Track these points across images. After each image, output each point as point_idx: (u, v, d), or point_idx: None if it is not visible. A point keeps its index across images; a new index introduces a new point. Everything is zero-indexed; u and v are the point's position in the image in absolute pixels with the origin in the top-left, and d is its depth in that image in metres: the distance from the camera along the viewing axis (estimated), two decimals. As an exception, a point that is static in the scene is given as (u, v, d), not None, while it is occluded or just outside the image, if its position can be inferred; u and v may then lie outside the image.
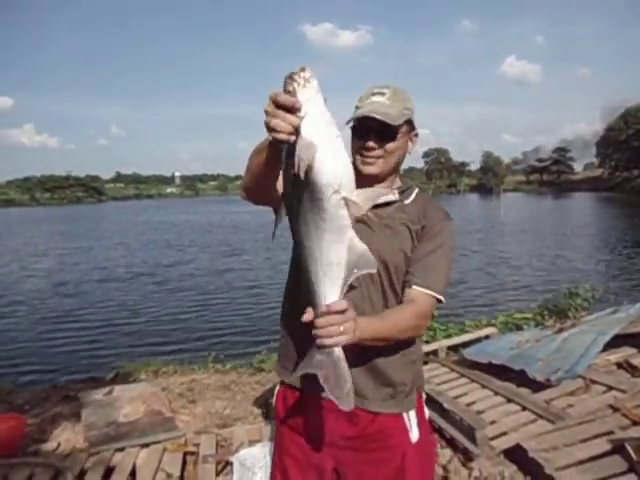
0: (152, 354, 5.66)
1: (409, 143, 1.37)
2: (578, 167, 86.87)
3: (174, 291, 10.82)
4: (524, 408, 3.05)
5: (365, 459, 1.35)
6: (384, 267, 1.29)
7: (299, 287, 1.36)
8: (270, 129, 0.92)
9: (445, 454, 2.74)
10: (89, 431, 3.02)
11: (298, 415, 1.39)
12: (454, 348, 4.49)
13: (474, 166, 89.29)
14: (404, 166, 1.50)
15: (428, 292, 1.28)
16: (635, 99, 65.32)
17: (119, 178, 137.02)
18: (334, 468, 1.38)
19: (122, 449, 2.84)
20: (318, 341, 1.05)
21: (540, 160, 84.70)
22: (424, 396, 1.49)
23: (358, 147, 1.32)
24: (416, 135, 1.39)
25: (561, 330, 4.29)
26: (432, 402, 2.96)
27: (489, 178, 78.73)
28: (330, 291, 1.05)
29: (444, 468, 2.61)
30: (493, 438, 2.73)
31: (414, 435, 1.36)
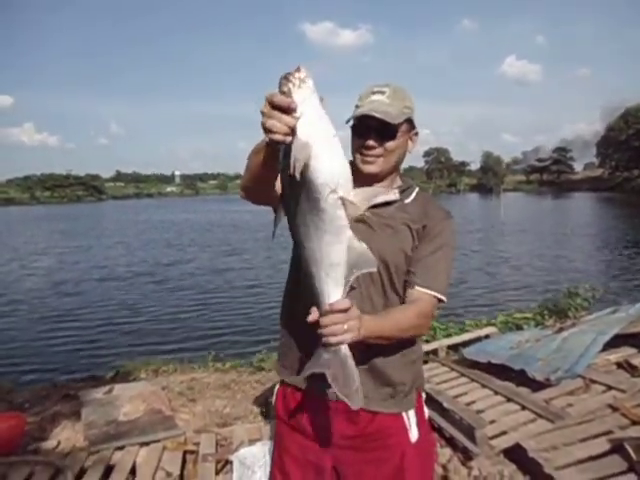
0: (152, 353, 5.67)
1: (409, 142, 1.37)
2: (578, 167, 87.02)
3: (174, 290, 10.83)
4: (524, 407, 3.05)
5: (364, 458, 1.35)
6: (385, 267, 1.29)
7: (299, 287, 1.36)
8: (266, 130, 0.92)
9: (445, 453, 2.74)
10: (89, 430, 3.03)
11: (298, 414, 1.39)
12: (454, 347, 4.49)
13: (474, 166, 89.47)
14: (404, 165, 1.50)
15: (430, 292, 1.29)
16: (635, 99, 65.40)
17: (119, 177, 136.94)
18: (333, 467, 1.38)
19: (122, 448, 2.84)
20: (323, 340, 1.05)
21: (540, 160, 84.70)
22: (424, 396, 1.49)
23: (358, 146, 1.32)
24: (416, 134, 1.38)
25: (561, 330, 4.29)
26: (432, 401, 2.96)
27: (489, 178, 78.75)
28: (332, 290, 1.05)
29: (444, 467, 2.62)
30: (493, 437, 2.74)
31: (413, 435, 1.36)
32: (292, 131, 0.91)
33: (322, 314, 1.06)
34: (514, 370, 3.46)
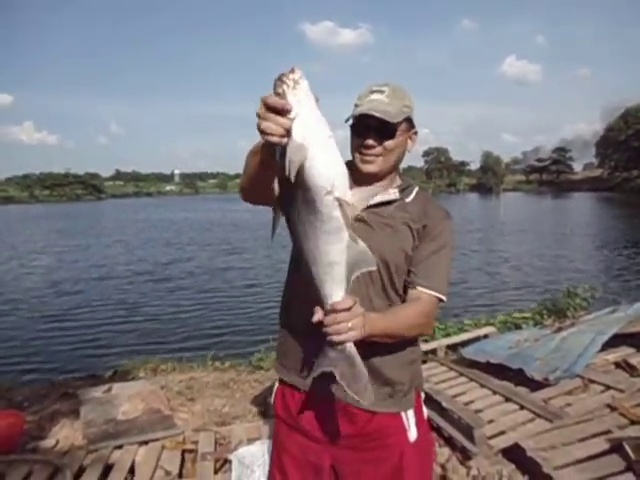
0: (151, 352, 5.66)
1: (408, 141, 1.37)
2: (578, 167, 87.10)
3: (173, 289, 10.83)
4: (522, 407, 3.06)
5: (363, 458, 1.35)
6: (385, 266, 1.29)
7: (298, 286, 1.37)
8: (262, 132, 0.92)
9: (443, 453, 2.74)
10: (88, 428, 3.02)
11: (296, 413, 1.39)
12: (453, 347, 4.50)
13: (474, 165, 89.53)
14: (404, 165, 1.50)
15: (432, 293, 1.30)
16: (635, 99, 65.45)
17: (118, 176, 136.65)
18: (332, 466, 1.38)
19: (121, 446, 2.84)
20: (329, 338, 1.06)
21: (540, 160, 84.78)
22: (423, 395, 1.49)
23: (357, 145, 1.32)
24: (415, 133, 1.38)
25: (560, 329, 4.30)
26: (431, 401, 2.96)
27: (489, 177, 78.81)
28: (334, 290, 1.06)
29: (442, 467, 2.62)
30: (491, 437, 2.74)
31: (412, 434, 1.37)
32: (288, 132, 0.91)
33: (326, 313, 1.06)
34: (513, 370, 3.47)
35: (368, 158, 1.31)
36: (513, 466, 2.53)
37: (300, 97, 0.92)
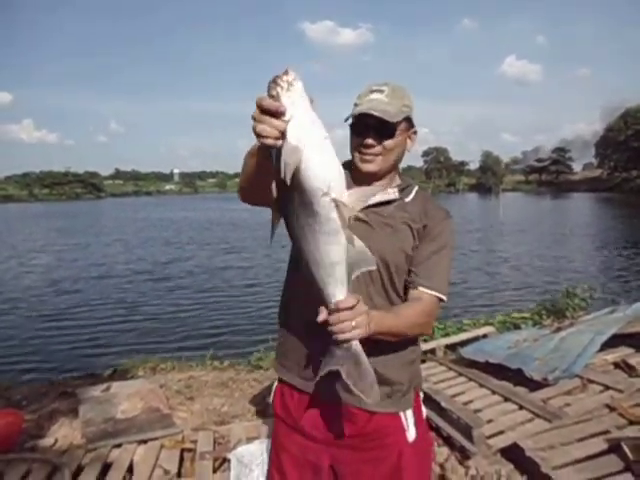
0: (150, 351, 5.66)
1: (408, 141, 1.37)
2: (577, 167, 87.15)
3: (172, 288, 10.83)
4: (521, 407, 3.06)
5: (362, 458, 1.35)
6: (385, 266, 1.30)
7: (297, 286, 1.37)
8: (257, 135, 0.92)
9: (442, 452, 2.74)
10: (87, 427, 3.02)
11: (295, 413, 1.39)
12: (452, 347, 4.50)
13: (473, 165, 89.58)
14: (403, 165, 1.50)
15: (433, 293, 1.31)
16: (635, 99, 65.53)
17: (118, 175, 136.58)
18: (331, 466, 1.38)
19: (119, 445, 2.84)
20: (334, 337, 1.07)
21: (539, 160, 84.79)
22: (422, 395, 1.49)
23: (357, 144, 1.32)
24: (415, 133, 1.38)
25: (559, 329, 4.30)
26: (430, 400, 2.97)
27: (488, 177, 78.86)
28: (336, 290, 1.06)
29: (441, 466, 2.62)
30: (490, 437, 2.74)
31: (411, 434, 1.37)
32: (282, 135, 0.91)
33: (329, 313, 1.07)
34: (512, 370, 3.47)
35: (367, 157, 1.31)
36: (512, 466, 2.54)
37: (294, 99, 0.91)
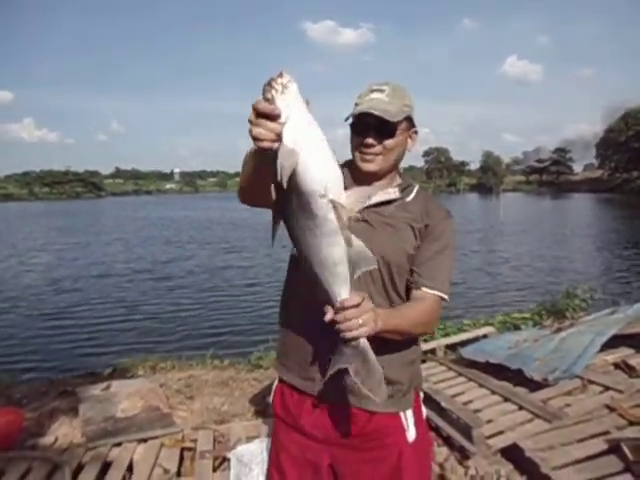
0: (150, 350, 5.66)
1: (408, 140, 1.37)
2: (578, 168, 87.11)
3: (173, 287, 10.82)
4: (521, 407, 3.06)
5: (362, 458, 1.35)
6: (386, 266, 1.30)
7: (298, 286, 1.37)
8: (253, 138, 0.92)
9: (442, 452, 2.74)
10: (87, 426, 3.03)
11: (295, 412, 1.40)
12: (452, 347, 4.50)
13: (474, 166, 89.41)
14: (404, 165, 1.51)
15: (436, 293, 1.32)
16: (636, 100, 65.43)
17: (118, 174, 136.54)
18: (330, 465, 1.38)
19: (119, 444, 2.84)
20: (341, 336, 1.07)
21: (540, 161, 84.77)
22: (422, 395, 1.49)
23: (357, 144, 1.32)
24: (415, 132, 1.38)
25: (559, 330, 4.30)
26: (429, 400, 2.97)
27: (489, 178, 78.79)
28: (341, 289, 1.07)
29: (440, 466, 2.62)
30: (490, 437, 2.74)
31: (411, 434, 1.37)
32: (278, 137, 0.91)
33: (335, 312, 1.07)
34: (512, 370, 3.47)
35: (368, 157, 1.31)
36: (511, 466, 2.54)
37: (289, 101, 0.91)
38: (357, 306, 1.05)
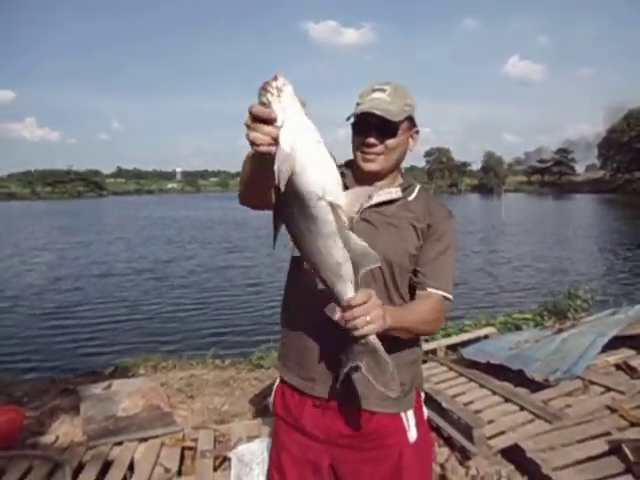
0: (151, 349, 5.66)
1: (410, 140, 1.37)
2: (580, 168, 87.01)
3: (174, 287, 10.83)
4: (522, 408, 3.05)
5: (362, 457, 1.35)
6: (388, 265, 1.30)
7: (299, 287, 1.37)
8: (250, 143, 0.92)
9: (443, 452, 2.74)
10: (88, 425, 3.03)
11: (296, 412, 1.39)
12: (453, 347, 4.50)
13: (475, 166, 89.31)
14: (406, 165, 1.50)
15: (441, 293, 1.32)
16: (638, 100, 65.38)
17: (120, 173, 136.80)
18: (331, 465, 1.38)
19: (120, 443, 2.85)
20: (351, 334, 1.07)
21: (541, 161, 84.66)
22: (423, 395, 1.49)
23: (359, 144, 1.32)
24: (417, 132, 1.38)
25: (560, 331, 4.30)
26: (430, 401, 2.96)
27: (490, 178, 78.71)
28: (346, 288, 1.07)
29: (441, 466, 2.62)
30: (491, 437, 2.74)
31: (412, 435, 1.36)
32: (276, 141, 0.91)
33: (343, 310, 1.07)
34: (513, 370, 3.46)
35: (369, 157, 1.31)
36: (512, 467, 2.53)
37: (285, 104, 0.91)
38: (364, 304, 1.06)
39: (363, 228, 1.26)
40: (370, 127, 1.28)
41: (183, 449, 2.84)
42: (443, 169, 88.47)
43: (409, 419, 1.37)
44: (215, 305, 9.12)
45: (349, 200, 1.00)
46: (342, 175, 1.35)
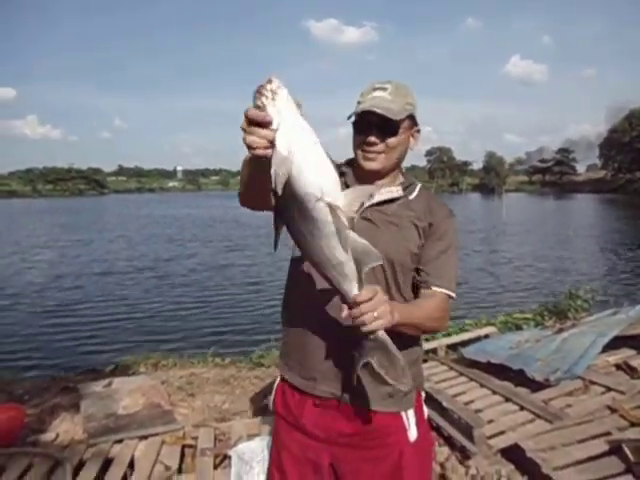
0: (152, 348, 5.66)
1: (411, 139, 1.37)
2: (581, 168, 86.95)
3: (175, 285, 10.84)
4: (522, 408, 3.06)
5: (362, 456, 1.35)
6: (389, 264, 1.30)
7: (299, 286, 1.37)
8: (247, 146, 0.92)
9: (443, 452, 2.74)
10: (88, 422, 3.04)
11: (296, 411, 1.39)
12: (453, 347, 4.50)
13: (477, 165, 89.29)
14: (407, 164, 1.51)
15: (444, 291, 1.33)
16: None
17: (121, 171, 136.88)
18: (331, 464, 1.38)
19: (121, 441, 2.85)
20: (360, 331, 1.08)
21: (543, 161, 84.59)
22: (423, 395, 1.49)
23: (359, 142, 1.32)
24: (418, 131, 1.38)
25: (561, 330, 4.30)
26: (431, 400, 2.96)
27: (491, 178, 78.66)
28: (351, 285, 1.07)
29: (441, 466, 2.62)
30: (491, 437, 2.74)
31: (412, 434, 1.36)
32: (272, 144, 0.91)
33: (350, 308, 1.08)
34: (513, 370, 3.47)
35: (370, 155, 1.31)
36: (512, 466, 2.54)
37: (280, 107, 0.91)
38: (370, 300, 1.06)
39: (364, 227, 1.26)
40: (371, 126, 1.28)
41: (183, 447, 2.85)
42: (444, 168, 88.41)
43: (409, 418, 1.37)
44: (216, 303, 9.12)
45: (349, 199, 1.00)
46: (343, 174, 1.36)
